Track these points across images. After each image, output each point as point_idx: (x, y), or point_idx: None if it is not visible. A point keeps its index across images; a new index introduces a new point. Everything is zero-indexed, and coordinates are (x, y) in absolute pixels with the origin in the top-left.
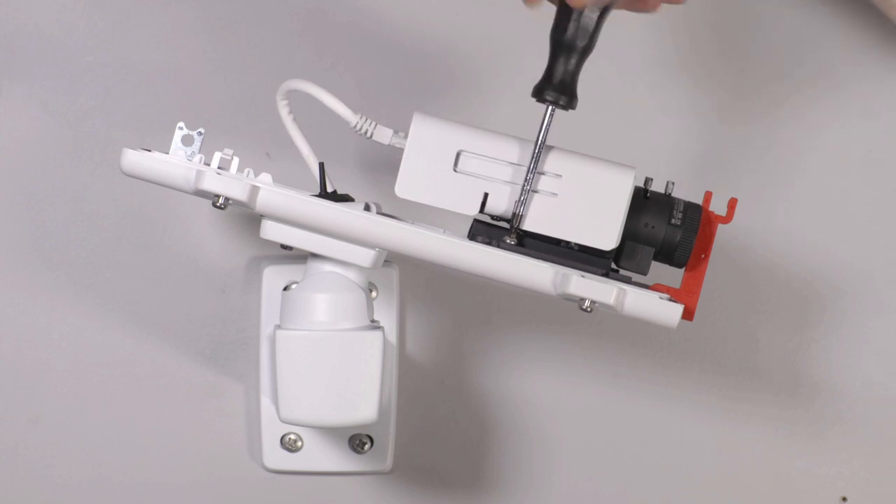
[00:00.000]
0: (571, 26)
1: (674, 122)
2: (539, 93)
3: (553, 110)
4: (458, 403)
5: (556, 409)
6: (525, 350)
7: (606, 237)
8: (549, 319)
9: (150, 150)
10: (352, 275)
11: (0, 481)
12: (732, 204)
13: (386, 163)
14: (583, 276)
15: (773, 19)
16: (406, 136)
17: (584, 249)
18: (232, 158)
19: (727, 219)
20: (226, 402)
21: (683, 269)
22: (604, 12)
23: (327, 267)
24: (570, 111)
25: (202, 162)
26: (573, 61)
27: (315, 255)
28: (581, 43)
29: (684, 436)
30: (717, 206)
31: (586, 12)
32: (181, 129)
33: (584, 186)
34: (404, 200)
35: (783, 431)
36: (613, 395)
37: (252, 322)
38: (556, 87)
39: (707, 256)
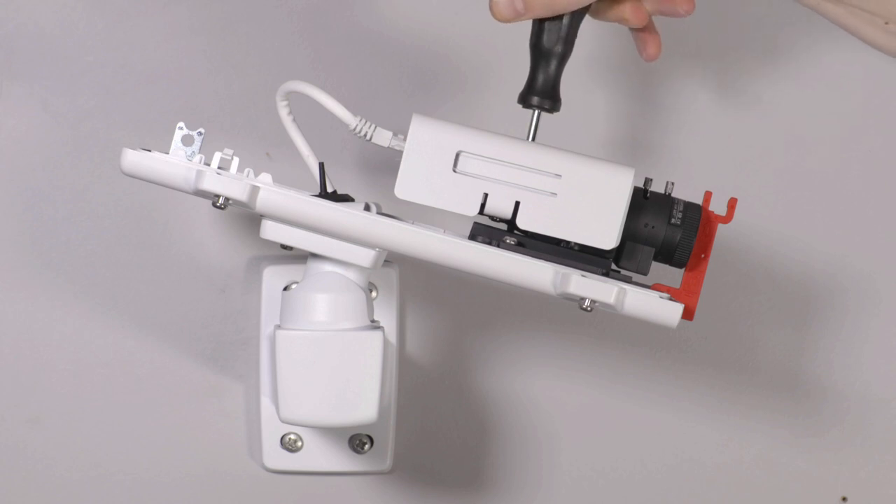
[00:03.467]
0: (548, 34)
1: (674, 122)
2: (524, 99)
3: (539, 114)
4: (458, 403)
5: (556, 409)
6: (525, 350)
7: (606, 237)
8: (549, 319)
9: (150, 150)
10: (352, 275)
11: (0, 481)
12: (732, 204)
13: (385, 163)
14: (583, 276)
15: (772, 20)
16: (405, 139)
17: (584, 249)
18: (232, 158)
19: (727, 219)
20: (226, 402)
21: (683, 269)
22: (578, 17)
23: (327, 267)
24: (575, 111)
25: (202, 162)
26: (553, 67)
27: (315, 255)
28: (558, 49)
29: (684, 436)
30: (717, 206)
31: (564, 19)
32: (181, 129)
33: (583, 186)
34: (404, 200)
35: (783, 431)
36: (613, 396)
37: (252, 322)
38: (539, 93)
39: (707, 256)
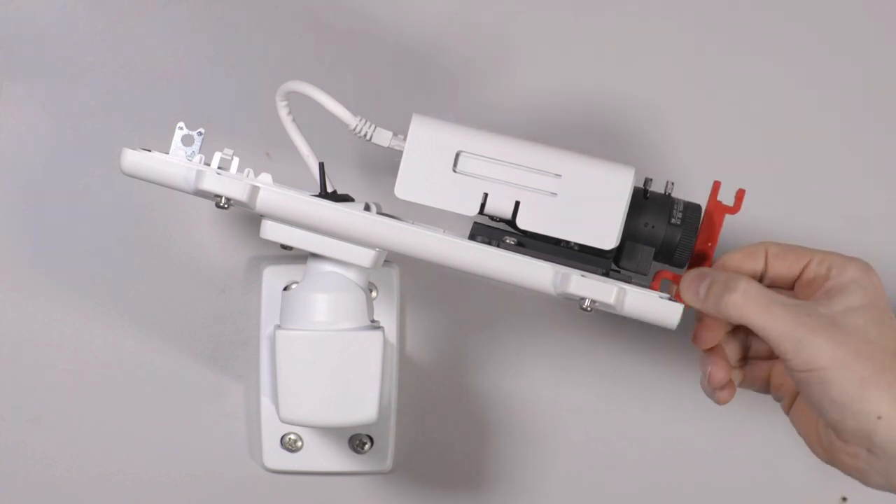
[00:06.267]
0: None
1: (674, 121)
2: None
3: None
4: (458, 403)
5: (556, 409)
6: (525, 350)
7: (606, 236)
8: (549, 319)
9: (150, 150)
10: (352, 275)
11: (0, 481)
12: (740, 195)
13: (385, 163)
14: (583, 276)
15: (773, 19)
16: (405, 139)
17: (584, 249)
18: (232, 158)
19: (735, 209)
20: (226, 402)
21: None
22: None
23: (327, 267)
24: (570, 110)
25: (202, 162)
26: None
27: (315, 255)
28: None
29: (684, 436)
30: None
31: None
32: (181, 129)
33: (583, 186)
34: (404, 200)
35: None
36: (613, 395)
37: (252, 322)
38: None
39: (714, 245)
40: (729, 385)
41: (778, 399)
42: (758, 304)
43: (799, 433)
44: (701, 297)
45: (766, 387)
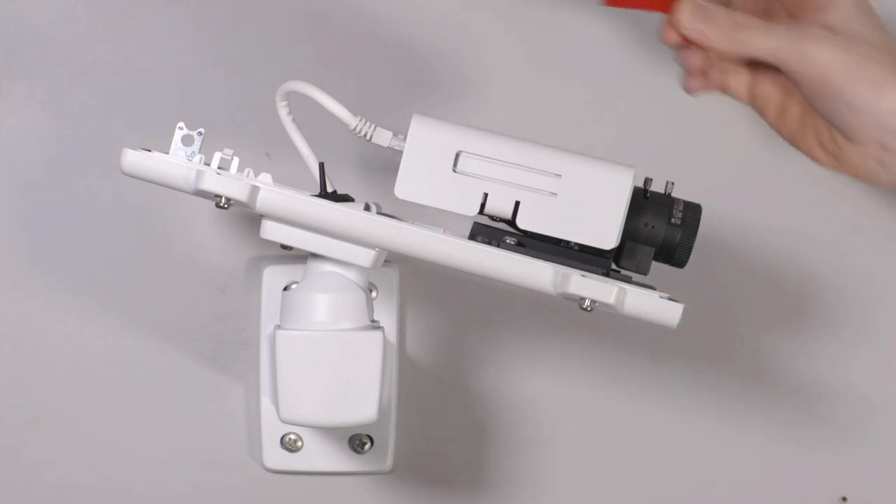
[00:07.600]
0: None
1: (674, 121)
2: None
3: None
4: (458, 403)
5: (555, 409)
6: (525, 350)
7: (606, 236)
8: (549, 319)
9: (150, 150)
10: (352, 275)
11: (0, 481)
12: None
13: (385, 163)
14: (583, 276)
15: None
16: (405, 139)
17: (584, 249)
18: (232, 158)
19: None
20: (226, 402)
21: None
22: None
23: (327, 267)
24: (570, 110)
25: (202, 162)
26: None
27: (315, 255)
28: None
29: (684, 436)
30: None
31: None
32: (181, 129)
33: (583, 186)
34: (404, 200)
35: (783, 431)
36: (613, 396)
37: (252, 322)
38: None
39: None
40: (702, 74)
41: (760, 110)
42: (761, 29)
43: (793, 144)
44: (705, 34)
45: (746, 95)
